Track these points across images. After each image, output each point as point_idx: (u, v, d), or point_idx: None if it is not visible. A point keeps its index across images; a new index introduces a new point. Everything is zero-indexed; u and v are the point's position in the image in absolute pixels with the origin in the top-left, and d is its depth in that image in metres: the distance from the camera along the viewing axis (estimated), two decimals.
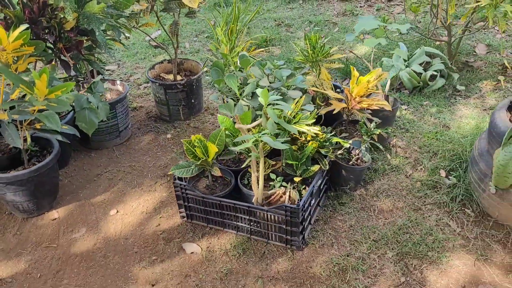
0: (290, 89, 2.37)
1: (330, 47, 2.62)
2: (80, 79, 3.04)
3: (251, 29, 4.93)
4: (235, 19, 2.78)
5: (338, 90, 2.85)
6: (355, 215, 2.41)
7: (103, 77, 3.10)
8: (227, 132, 2.31)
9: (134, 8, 2.89)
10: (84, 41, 2.41)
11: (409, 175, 2.67)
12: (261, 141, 1.93)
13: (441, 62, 3.59)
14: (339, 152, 2.48)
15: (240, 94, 2.26)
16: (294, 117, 2.21)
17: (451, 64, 3.68)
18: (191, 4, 2.75)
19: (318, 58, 2.57)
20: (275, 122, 1.83)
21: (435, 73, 3.50)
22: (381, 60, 3.70)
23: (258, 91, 1.88)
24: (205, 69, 3.31)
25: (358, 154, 2.54)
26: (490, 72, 3.77)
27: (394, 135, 3.00)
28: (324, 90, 2.61)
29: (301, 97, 2.25)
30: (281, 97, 2.26)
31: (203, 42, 4.73)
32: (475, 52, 4.17)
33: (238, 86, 2.29)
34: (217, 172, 2.24)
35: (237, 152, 2.49)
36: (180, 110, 3.27)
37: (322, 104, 2.68)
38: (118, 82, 3.18)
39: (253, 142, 1.92)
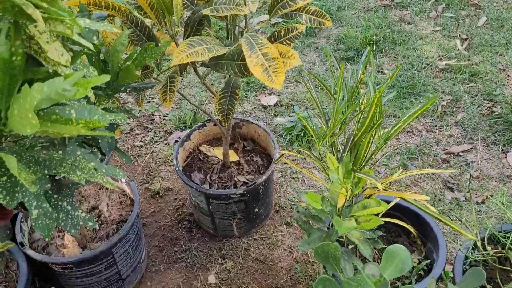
0: None
1: None
2: None
3: (341, 12, 3.19)
4: (371, 119, 1.20)
5: None
6: None
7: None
8: None
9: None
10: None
11: None
12: None
13: None
14: None
15: None
16: None
17: None
18: (270, 83, 1.19)
19: None
20: None
21: None
22: None
23: None
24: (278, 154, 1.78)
25: None
26: None
27: None
28: None
29: None
30: None
31: None
32: None
33: None
34: None
35: None
36: (233, 225, 1.83)
37: None
38: (123, 180, 1.74)
39: None
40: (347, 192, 1.15)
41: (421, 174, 2.08)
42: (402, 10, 3.18)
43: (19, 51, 0.79)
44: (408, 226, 1.47)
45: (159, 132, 2.39)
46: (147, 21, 1.35)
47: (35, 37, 0.80)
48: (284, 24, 3.06)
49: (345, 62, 2.77)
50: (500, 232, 1.43)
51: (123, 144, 2.33)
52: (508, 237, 1.40)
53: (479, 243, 1.38)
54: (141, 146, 2.32)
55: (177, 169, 1.74)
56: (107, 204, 1.72)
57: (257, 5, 1.41)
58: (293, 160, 2.21)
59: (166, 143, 2.33)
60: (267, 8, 1.39)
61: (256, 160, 1.88)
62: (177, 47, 1.38)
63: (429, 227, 1.50)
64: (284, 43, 1.42)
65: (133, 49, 1.36)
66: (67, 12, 0.79)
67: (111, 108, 1.32)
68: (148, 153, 2.28)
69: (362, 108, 1.25)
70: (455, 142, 2.22)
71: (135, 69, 1.19)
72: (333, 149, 1.32)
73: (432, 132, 2.28)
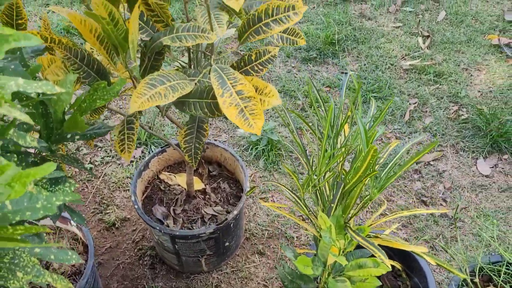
0: None
1: None
2: None
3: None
4: (365, 169, 1.06)
5: None
6: None
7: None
8: None
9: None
10: None
11: None
12: None
13: None
14: None
15: None
16: None
17: None
18: (247, 128, 1.01)
19: None
20: None
21: None
22: None
23: None
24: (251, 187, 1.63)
25: None
26: None
27: None
28: None
29: None
30: None
31: None
32: None
33: None
34: None
35: None
36: (202, 261, 1.66)
37: None
38: (74, 222, 1.51)
39: None
40: (339, 252, 1.02)
41: (394, 188, 2.00)
42: (361, 4, 3.06)
43: None
44: (394, 263, 1.37)
45: (111, 151, 2.15)
46: (100, 58, 1.13)
47: None
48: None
49: (307, 63, 2.63)
50: (489, 264, 1.37)
51: (69, 168, 2.08)
52: (498, 270, 1.34)
53: (468, 279, 1.31)
54: (90, 169, 2.08)
55: (136, 206, 1.54)
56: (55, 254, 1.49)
57: (225, 29, 1.22)
58: (260, 176, 2.06)
59: (119, 164, 2.10)
60: (237, 32, 1.21)
61: (224, 188, 1.72)
62: (132, 80, 1.17)
63: (416, 262, 1.41)
64: (256, 67, 1.26)
65: (79, 87, 1.14)
66: None
67: (54, 160, 1.10)
68: (100, 177, 2.05)
69: (349, 150, 1.12)
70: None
71: (83, 121, 0.98)
72: (318, 195, 1.18)
73: (402, 139, 2.21)
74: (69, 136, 1.09)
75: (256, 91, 1.13)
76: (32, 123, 0.70)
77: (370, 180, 1.08)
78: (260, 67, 1.25)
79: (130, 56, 1.09)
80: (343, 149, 1.09)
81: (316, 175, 1.11)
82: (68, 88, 0.92)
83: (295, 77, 2.55)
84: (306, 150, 1.24)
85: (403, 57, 2.63)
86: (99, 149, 2.16)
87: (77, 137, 1.10)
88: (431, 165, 2.09)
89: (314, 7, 3.03)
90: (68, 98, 0.93)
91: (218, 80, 1.08)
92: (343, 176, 1.15)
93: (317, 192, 1.18)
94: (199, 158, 1.29)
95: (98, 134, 1.11)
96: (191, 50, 1.30)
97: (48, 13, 3.10)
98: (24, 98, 0.91)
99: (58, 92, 0.86)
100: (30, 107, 0.99)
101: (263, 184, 2.00)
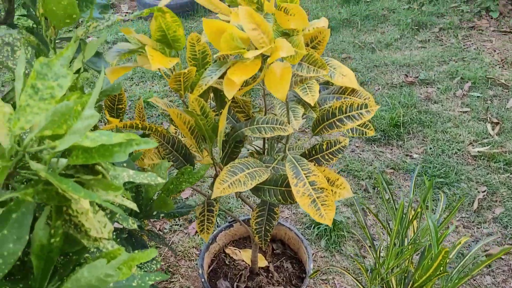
0: None
1: None
2: None
3: (364, 87, 3.13)
4: (435, 269, 1.07)
5: None
6: None
7: None
8: None
9: None
10: None
11: None
12: None
13: None
14: None
15: None
16: None
17: None
18: (319, 218, 1.07)
19: None
20: None
21: None
22: None
23: None
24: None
25: None
26: None
27: None
28: None
29: None
30: None
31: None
32: None
33: None
34: None
35: None
36: None
37: None
38: None
39: None
40: None
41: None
42: (427, 87, 3.12)
43: (58, 232, 0.69)
44: None
45: (179, 219, 2.27)
46: (184, 140, 1.27)
47: (79, 215, 0.70)
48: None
49: (370, 144, 2.68)
50: None
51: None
52: None
53: None
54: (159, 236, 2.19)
55: (203, 279, 1.60)
56: None
57: (300, 122, 1.32)
58: (321, 256, 2.07)
59: (186, 233, 2.20)
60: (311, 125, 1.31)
61: (287, 267, 1.75)
62: (213, 165, 1.29)
63: None
64: (326, 156, 1.33)
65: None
66: (115, 187, 0.70)
67: (141, 235, 1.21)
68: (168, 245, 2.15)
69: (417, 247, 1.14)
70: (495, 242, 2.08)
71: (172, 202, 1.09)
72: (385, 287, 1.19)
73: (470, 229, 2.15)
74: (155, 213, 1.20)
75: (328, 182, 1.20)
76: (137, 210, 0.80)
77: (441, 279, 1.09)
78: (331, 156, 1.32)
79: (216, 144, 1.21)
80: (410, 247, 1.11)
81: (383, 268, 1.13)
82: (163, 174, 1.04)
83: (359, 157, 2.60)
84: (373, 240, 1.27)
85: (471, 143, 2.61)
86: None
87: (162, 215, 1.22)
88: (502, 259, 2.01)
89: (379, 89, 3.13)
90: (162, 183, 1.05)
91: (292, 170, 1.16)
92: (411, 271, 1.16)
93: (384, 285, 1.19)
94: (268, 240, 1.35)
95: (181, 214, 1.22)
96: (266, 138, 1.41)
97: (131, 86, 3.43)
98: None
99: (160, 182, 0.98)
100: (127, 190, 1.12)
101: (329, 268, 2.00)
